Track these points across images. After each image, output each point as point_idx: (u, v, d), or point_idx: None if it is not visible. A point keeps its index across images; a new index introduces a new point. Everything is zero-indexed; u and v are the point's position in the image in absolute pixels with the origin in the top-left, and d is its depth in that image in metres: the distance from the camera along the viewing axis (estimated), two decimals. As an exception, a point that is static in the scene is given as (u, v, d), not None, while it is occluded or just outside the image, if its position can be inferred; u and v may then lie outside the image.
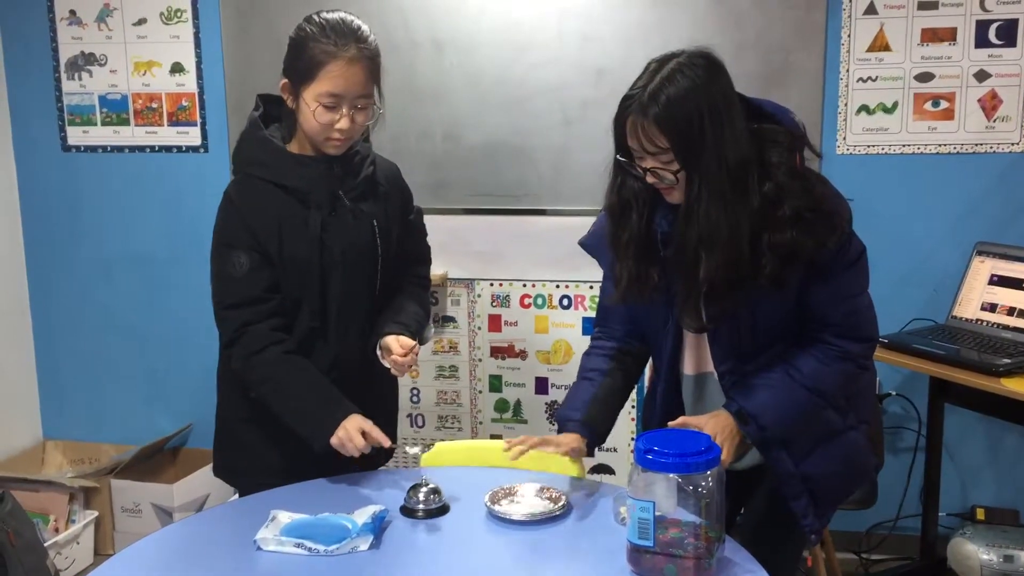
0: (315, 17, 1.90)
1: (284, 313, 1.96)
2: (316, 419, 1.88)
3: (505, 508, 1.74)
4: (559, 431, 1.89)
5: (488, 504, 1.75)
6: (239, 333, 1.93)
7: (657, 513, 1.49)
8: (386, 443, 1.87)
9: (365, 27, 1.91)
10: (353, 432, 1.84)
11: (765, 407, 1.69)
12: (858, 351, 1.73)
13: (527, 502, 1.78)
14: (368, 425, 1.86)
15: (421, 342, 2.04)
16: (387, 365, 1.98)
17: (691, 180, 1.60)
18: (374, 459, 1.98)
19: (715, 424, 1.70)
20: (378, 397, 2.06)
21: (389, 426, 1.97)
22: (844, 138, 2.98)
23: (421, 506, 1.76)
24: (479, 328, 3.27)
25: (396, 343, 1.96)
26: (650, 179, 1.65)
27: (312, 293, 1.96)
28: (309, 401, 1.90)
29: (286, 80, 1.92)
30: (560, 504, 1.75)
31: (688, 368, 1.85)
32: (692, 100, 1.57)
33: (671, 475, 1.47)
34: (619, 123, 1.64)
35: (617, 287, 1.77)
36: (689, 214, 1.61)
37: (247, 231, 1.92)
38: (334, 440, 1.85)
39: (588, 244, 1.91)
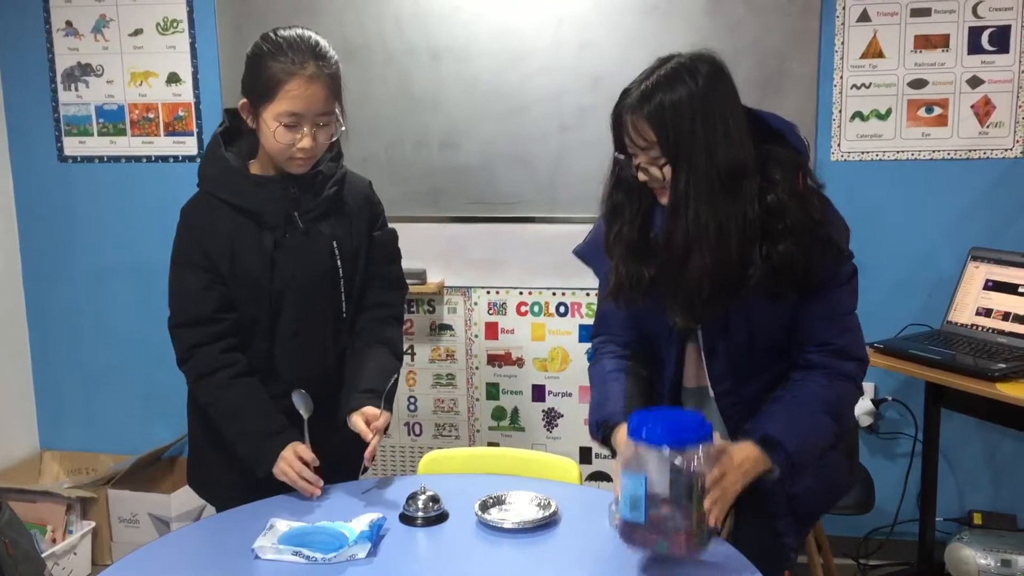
0: (271, 35, 1.86)
1: (238, 332, 1.95)
2: (257, 448, 1.89)
3: (495, 516, 1.74)
4: (602, 437, 1.77)
5: (478, 513, 1.75)
6: (189, 354, 1.94)
7: (650, 491, 1.49)
8: (310, 459, 1.86)
9: (324, 43, 1.87)
10: (292, 461, 1.85)
11: (789, 431, 1.64)
12: (853, 370, 1.72)
13: (517, 509, 1.77)
14: (301, 449, 1.87)
15: (388, 404, 1.96)
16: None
17: (678, 178, 1.60)
18: (347, 471, 1.97)
19: (737, 456, 1.61)
20: (335, 423, 1.97)
21: (356, 448, 1.91)
22: (838, 145, 2.99)
23: (420, 514, 1.76)
24: (476, 336, 3.27)
25: (361, 421, 1.90)
26: (642, 177, 1.66)
27: (264, 315, 1.95)
28: (250, 430, 1.91)
29: (245, 100, 1.89)
30: (551, 511, 1.75)
31: (688, 381, 1.84)
32: (685, 99, 1.57)
33: (664, 449, 1.48)
34: (616, 118, 1.66)
35: (609, 287, 1.77)
36: (675, 211, 1.62)
37: (199, 250, 1.92)
38: (276, 471, 1.86)
39: (582, 252, 1.91)
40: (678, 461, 1.49)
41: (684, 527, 1.50)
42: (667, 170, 1.61)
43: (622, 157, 1.68)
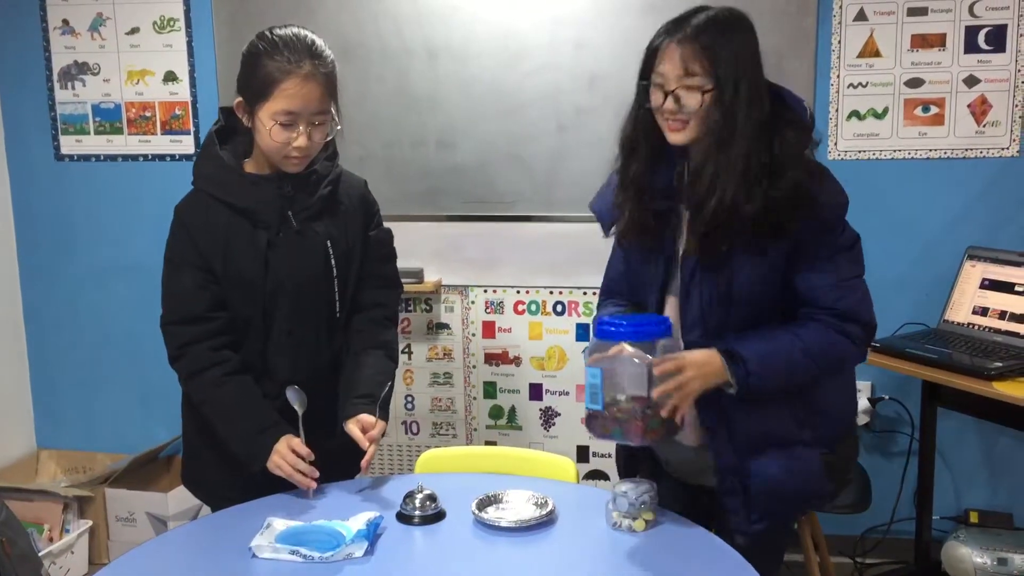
0: (267, 33, 1.87)
1: (230, 331, 1.94)
2: (250, 443, 1.89)
3: (492, 515, 1.75)
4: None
5: (475, 511, 1.75)
6: (181, 352, 1.94)
7: (608, 382, 1.63)
8: (305, 452, 1.86)
9: (320, 42, 1.88)
10: (286, 454, 1.86)
11: (758, 353, 1.68)
12: (854, 332, 1.73)
13: (514, 508, 1.78)
14: (296, 442, 1.88)
15: (385, 411, 1.97)
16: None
17: (712, 111, 1.66)
18: (343, 471, 1.98)
19: (700, 356, 1.68)
20: (331, 422, 1.98)
21: (351, 449, 1.91)
22: (835, 143, 2.99)
23: (417, 512, 1.76)
24: (473, 335, 3.27)
25: (357, 430, 1.90)
26: (669, 105, 1.69)
27: (257, 314, 1.94)
28: (244, 425, 1.91)
29: (240, 99, 1.89)
30: (548, 510, 1.75)
31: None
32: (737, 35, 1.68)
33: (620, 343, 1.62)
34: (653, 49, 1.72)
35: (619, 227, 1.85)
36: (709, 148, 1.68)
37: (193, 248, 1.92)
38: (270, 465, 1.87)
39: (595, 207, 1.95)
40: (633, 354, 1.62)
41: (639, 416, 1.62)
42: (707, 97, 1.66)
43: (644, 84, 1.74)
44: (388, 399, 2.00)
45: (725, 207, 1.65)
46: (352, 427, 1.91)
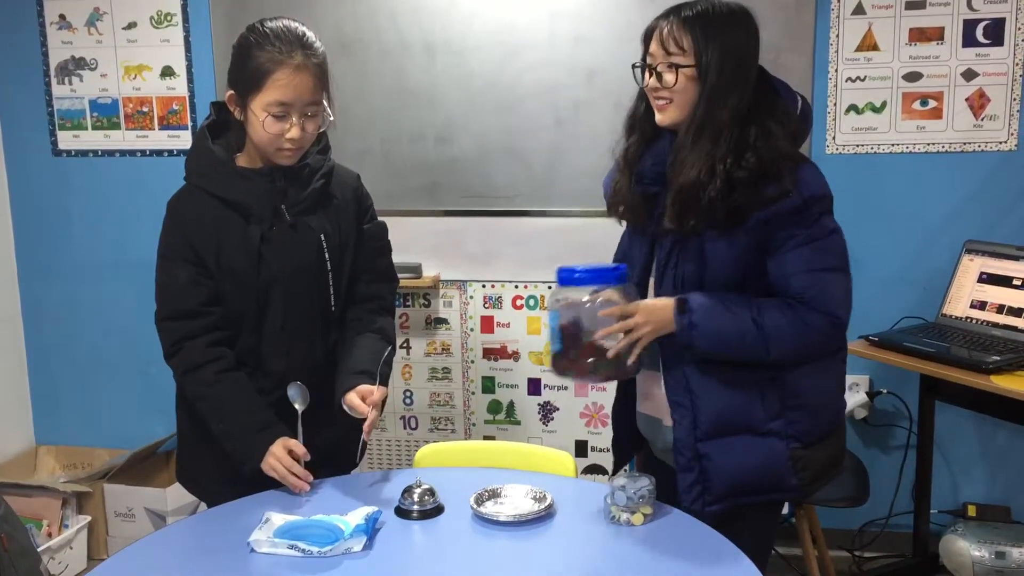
0: (258, 26, 1.87)
1: (225, 327, 1.94)
2: (245, 444, 1.89)
3: (491, 509, 1.75)
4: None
5: (473, 506, 1.75)
6: (176, 348, 1.93)
7: (562, 324, 1.75)
8: (302, 453, 1.86)
9: (311, 34, 1.88)
10: (282, 456, 1.85)
11: (705, 307, 1.71)
12: (820, 323, 1.72)
13: (513, 503, 1.78)
14: (292, 443, 1.87)
15: (384, 381, 1.96)
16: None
17: (699, 85, 1.71)
18: (340, 465, 1.98)
19: (652, 303, 1.75)
20: (327, 416, 1.98)
21: (348, 442, 1.93)
22: (833, 137, 2.99)
23: (415, 507, 1.77)
24: (472, 330, 3.27)
25: (356, 399, 1.90)
26: (652, 82, 1.75)
27: (250, 308, 1.94)
28: (239, 425, 1.90)
29: (232, 91, 1.89)
30: (546, 504, 1.75)
31: None
32: (729, 25, 1.72)
33: (573, 288, 1.73)
34: (649, 32, 1.79)
35: (611, 203, 1.91)
36: (691, 137, 1.72)
37: (186, 243, 1.91)
38: (265, 467, 1.86)
39: (603, 184, 1.99)
40: (584, 299, 1.73)
41: (586, 357, 1.73)
42: (682, 73, 1.71)
43: (640, 65, 1.79)
44: (387, 372, 1.98)
45: (689, 185, 1.70)
46: (351, 397, 1.90)
